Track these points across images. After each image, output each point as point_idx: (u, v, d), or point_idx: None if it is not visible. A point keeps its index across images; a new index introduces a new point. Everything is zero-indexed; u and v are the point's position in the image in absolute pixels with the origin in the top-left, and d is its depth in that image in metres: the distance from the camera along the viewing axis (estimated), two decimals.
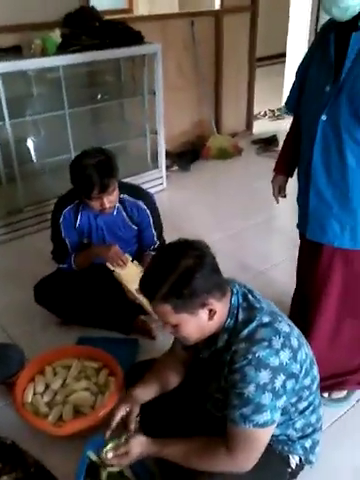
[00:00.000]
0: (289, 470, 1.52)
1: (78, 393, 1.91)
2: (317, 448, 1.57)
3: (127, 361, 2.02)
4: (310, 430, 1.52)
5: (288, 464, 1.52)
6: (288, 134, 2.05)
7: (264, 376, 1.25)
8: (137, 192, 2.36)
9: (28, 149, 3.45)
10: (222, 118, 4.76)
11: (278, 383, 1.27)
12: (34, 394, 1.93)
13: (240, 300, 1.38)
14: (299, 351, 1.35)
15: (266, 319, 1.34)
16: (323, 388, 1.97)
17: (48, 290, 2.36)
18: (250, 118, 5.05)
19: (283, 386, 1.28)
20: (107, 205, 2.15)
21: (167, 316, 1.31)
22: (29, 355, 2.08)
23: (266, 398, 1.26)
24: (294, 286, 2.23)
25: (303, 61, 1.84)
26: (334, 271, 1.86)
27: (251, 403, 1.26)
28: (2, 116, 3.00)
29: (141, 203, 2.31)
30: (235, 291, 1.40)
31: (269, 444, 1.45)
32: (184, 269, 1.25)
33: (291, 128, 2.02)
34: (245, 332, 1.32)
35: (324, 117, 1.66)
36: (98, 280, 2.36)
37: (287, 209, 3.56)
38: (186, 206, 3.73)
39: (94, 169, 2.06)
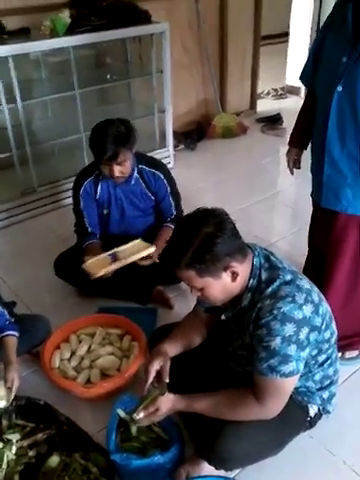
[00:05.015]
0: (308, 419, 1.63)
1: (104, 357, 2.00)
2: (334, 399, 1.67)
3: (147, 329, 2.10)
4: (328, 382, 1.62)
5: (307, 413, 1.62)
6: (302, 107, 2.08)
7: (289, 329, 1.34)
8: (154, 163, 2.45)
9: (39, 130, 3.50)
10: (227, 97, 4.79)
11: (302, 335, 1.35)
12: (61, 360, 2.02)
13: (262, 261, 1.46)
14: (320, 306, 1.44)
15: (288, 277, 1.42)
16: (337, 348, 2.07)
17: (68, 263, 2.44)
18: (254, 97, 5.08)
19: (307, 338, 1.37)
20: (116, 174, 2.24)
21: (192, 281, 1.39)
22: (52, 327, 2.15)
23: (292, 349, 1.35)
24: (302, 257, 2.31)
25: (318, 33, 1.87)
26: (348, 236, 1.93)
27: (278, 355, 1.35)
28: (14, 98, 3.05)
29: (158, 173, 2.40)
30: (257, 253, 1.47)
31: (290, 395, 1.55)
32: (205, 235, 1.32)
33: (305, 101, 2.06)
34: (269, 290, 1.40)
35: (340, 88, 1.69)
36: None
37: (292, 184, 3.66)
38: (193, 184, 3.78)
39: (109, 136, 2.15)
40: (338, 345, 2.05)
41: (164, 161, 3.89)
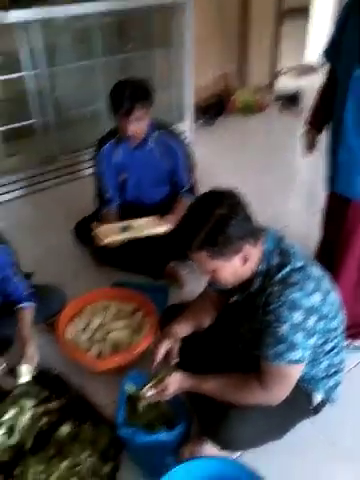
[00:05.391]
0: (312, 406, 1.65)
1: (116, 331, 2.04)
2: (339, 388, 1.68)
3: (158, 307, 2.12)
4: (333, 370, 1.63)
5: (312, 401, 1.64)
6: (322, 87, 2.02)
7: (297, 316, 1.35)
8: (172, 132, 2.47)
9: (62, 98, 3.47)
10: (247, 72, 4.71)
11: (310, 323, 1.37)
12: (75, 332, 2.06)
13: (274, 246, 1.45)
14: (329, 295, 1.45)
15: (299, 264, 1.41)
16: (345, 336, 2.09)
17: (87, 227, 2.46)
18: (274, 74, 4.99)
19: (315, 326, 1.39)
20: (132, 131, 2.27)
21: (204, 263, 1.38)
22: (68, 298, 2.18)
23: (299, 337, 1.36)
24: (316, 241, 2.29)
25: (341, 11, 1.80)
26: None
27: (285, 341, 1.36)
28: (36, 65, 3.02)
29: (175, 141, 2.42)
30: (268, 237, 1.46)
31: (296, 382, 1.59)
32: (219, 217, 1.31)
33: (326, 80, 1.99)
34: (279, 276, 1.40)
35: (359, 72, 1.65)
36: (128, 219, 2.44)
37: (309, 166, 3.62)
38: (210, 159, 3.75)
39: (128, 91, 2.21)
40: (346, 334, 2.08)
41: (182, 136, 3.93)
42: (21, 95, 3.15)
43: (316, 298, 1.38)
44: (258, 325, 1.47)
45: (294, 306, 1.35)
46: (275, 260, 1.43)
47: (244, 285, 1.49)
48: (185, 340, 1.72)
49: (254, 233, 1.40)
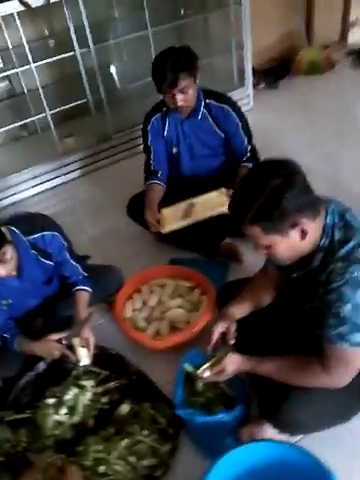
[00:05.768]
0: None
1: (173, 310, 2.02)
2: None
3: (217, 282, 2.06)
4: None
5: None
6: None
7: None
8: (223, 98, 2.35)
9: (113, 75, 3.44)
10: (314, 28, 4.36)
11: None
12: (133, 310, 2.06)
13: (336, 219, 1.33)
14: None
15: None
16: None
17: (140, 204, 2.42)
18: (345, 26, 4.57)
19: None
20: (179, 102, 2.17)
21: (257, 238, 1.30)
22: (126, 276, 2.19)
23: None
24: None
25: None
26: None
27: (348, 322, 1.25)
28: (86, 42, 2.98)
29: (228, 107, 2.30)
30: (330, 210, 1.34)
31: None
32: (272, 190, 1.21)
33: None
34: (342, 252, 1.28)
35: None
36: (188, 193, 2.36)
37: None
38: (275, 126, 3.56)
39: (169, 63, 2.10)
40: None
41: (243, 102, 3.76)
42: (73, 75, 3.13)
43: None
44: (319, 304, 1.36)
45: (358, 285, 1.23)
46: (338, 235, 1.31)
47: (304, 261, 1.39)
48: (244, 319, 1.65)
49: (313, 205, 1.29)
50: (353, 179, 2.90)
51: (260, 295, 1.67)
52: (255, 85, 3.94)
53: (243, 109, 3.70)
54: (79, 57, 3.00)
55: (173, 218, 2.22)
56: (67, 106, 3.20)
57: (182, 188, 2.43)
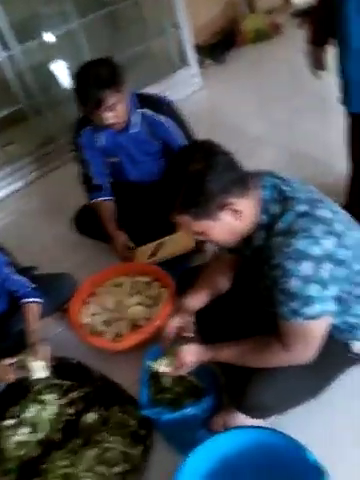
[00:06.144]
0: (352, 355, 1.47)
1: (133, 308, 1.94)
2: None
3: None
4: None
5: (350, 350, 1.46)
6: None
7: (306, 268, 1.15)
8: (158, 104, 2.15)
9: (47, 75, 3.30)
10: None
11: (324, 272, 1.17)
12: (91, 315, 1.98)
13: (272, 193, 1.26)
14: (345, 236, 1.23)
15: (303, 208, 1.21)
16: None
17: (87, 218, 2.33)
18: None
19: (331, 274, 1.18)
20: (109, 121, 2.01)
21: (190, 226, 1.24)
22: (82, 282, 2.10)
23: (313, 289, 1.17)
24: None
25: None
26: None
27: (298, 296, 1.18)
28: (7, 45, 2.86)
29: (163, 117, 2.12)
30: (265, 184, 1.27)
31: (328, 334, 1.40)
32: (193, 175, 1.16)
33: None
34: (281, 225, 1.21)
35: None
36: (134, 198, 2.29)
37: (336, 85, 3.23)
38: (227, 100, 3.49)
39: (91, 81, 1.91)
40: None
41: (190, 81, 3.67)
42: (1, 81, 3.00)
43: (328, 243, 1.17)
44: (268, 282, 1.29)
45: (301, 256, 1.16)
46: (275, 209, 1.24)
47: (248, 240, 1.32)
48: (206, 307, 1.60)
49: (242, 182, 1.22)
50: (305, 143, 2.84)
51: (216, 281, 1.61)
52: (202, 62, 3.83)
53: (191, 90, 3.68)
54: (3, 62, 2.88)
55: (142, 256, 2.16)
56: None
57: (129, 193, 2.31)
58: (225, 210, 1.20)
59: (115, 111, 1.99)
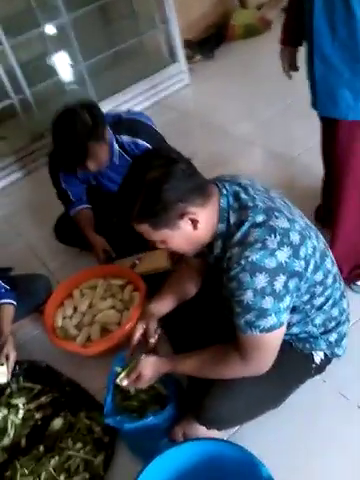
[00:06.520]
0: (314, 366, 1.47)
1: (104, 312, 1.93)
2: (344, 340, 1.50)
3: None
4: (333, 324, 1.44)
5: (312, 360, 1.46)
6: None
7: (260, 280, 1.15)
8: (134, 128, 2.08)
9: (36, 70, 3.27)
10: None
11: (278, 285, 1.16)
12: (64, 318, 1.98)
13: (231, 201, 1.25)
14: (302, 246, 1.21)
15: (260, 218, 1.20)
16: (357, 276, 1.85)
17: (66, 227, 2.32)
18: None
19: (285, 287, 1.18)
20: (93, 169, 1.99)
21: (149, 235, 1.24)
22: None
23: (267, 302, 1.17)
24: None
25: None
26: (355, 148, 1.64)
27: (253, 309, 1.18)
28: None
29: (139, 140, 2.06)
30: (225, 192, 1.25)
31: (289, 343, 1.42)
32: (150, 184, 1.14)
33: None
34: (238, 235, 1.20)
35: None
36: (108, 209, 2.23)
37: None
38: (213, 98, 3.45)
39: (70, 134, 1.84)
40: (358, 273, 1.84)
41: (178, 78, 3.64)
42: None
43: (282, 255, 1.16)
44: (227, 292, 1.28)
45: (255, 269, 1.15)
46: (233, 218, 1.23)
47: (210, 248, 1.31)
48: (173, 312, 1.58)
49: (200, 192, 1.21)
50: (289, 142, 2.81)
51: (183, 286, 1.59)
52: (190, 57, 3.80)
53: (178, 85, 3.64)
54: None
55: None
56: None
57: (107, 204, 2.22)
58: (184, 219, 1.19)
59: (99, 158, 1.97)
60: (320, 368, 1.49)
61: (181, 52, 3.57)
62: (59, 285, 2.08)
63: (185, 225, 1.20)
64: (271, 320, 1.19)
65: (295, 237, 1.20)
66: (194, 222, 1.20)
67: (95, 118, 1.89)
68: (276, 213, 1.22)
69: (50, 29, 3.13)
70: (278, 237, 1.17)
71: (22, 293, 1.89)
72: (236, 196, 1.25)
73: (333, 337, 1.45)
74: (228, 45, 4.08)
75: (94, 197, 2.31)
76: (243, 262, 1.16)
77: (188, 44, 3.88)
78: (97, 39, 3.46)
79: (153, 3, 3.36)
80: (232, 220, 1.23)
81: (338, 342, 1.47)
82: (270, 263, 1.15)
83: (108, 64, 3.50)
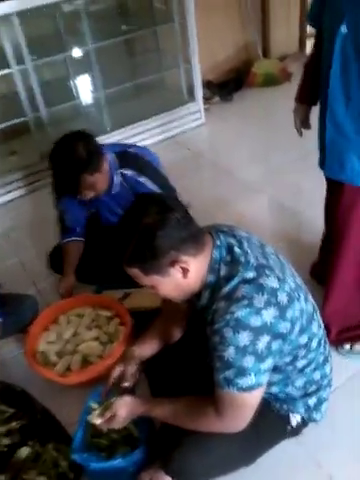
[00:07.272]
0: (289, 428, 1.45)
1: (87, 343, 1.92)
2: (324, 405, 1.47)
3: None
4: (314, 388, 1.42)
5: (288, 422, 1.44)
6: (310, 55, 1.79)
7: (243, 338, 1.14)
8: (138, 164, 2.10)
9: (54, 91, 3.34)
10: (270, 39, 4.33)
11: (261, 345, 1.15)
12: (47, 342, 1.96)
13: (223, 254, 1.25)
14: (289, 308, 1.21)
15: (250, 275, 1.19)
16: (344, 339, 1.83)
17: (59, 258, 2.31)
18: (303, 37, 4.54)
19: (268, 347, 1.16)
20: (89, 197, 2.03)
21: (139, 278, 1.24)
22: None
23: (248, 361, 1.15)
24: None
25: None
26: (356, 213, 1.65)
27: (233, 366, 1.16)
28: (22, 60, 2.92)
29: (143, 178, 2.07)
30: (218, 243, 1.26)
31: (267, 402, 1.39)
32: (144, 229, 1.15)
33: (314, 47, 1.75)
34: (226, 289, 1.19)
35: (344, 29, 1.39)
36: (105, 241, 2.20)
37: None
38: (226, 140, 3.51)
39: (67, 166, 1.89)
40: (346, 336, 1.83)
41: (194, 117, 3.70)
42: (11, 92, 3.07)
43: (268, 315, 1.15)
44: (210, 345, 1.26)
45: (239, 326, 1.14)
46: (224, 271, 1.22)
47: (198, 296, 1.30)
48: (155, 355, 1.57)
49: (193, 240, 1.21)
50: (295, 194, 2.84)
51: (168, 330, 1.58)
52: (209, 99, 3.88)
53: (195, 124, 3.70)
54: (16, 75, 2.93)
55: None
56: (6, 124, 3.12)
57: (104, 234, 2.25)
58: (175, 267, 1.19)
59: (95, 187, 2.00)
60: (296, 431, 1.47)
61: (200, 92, 3.64)
62: (47, 308, 2.06)
63: (175, 273, 1.20)
64: (250, 380, 1.17)
65: (283, 298, 1.20)
66: (185, 270, 1.20)
67: (90, 150, 1.92)
68: (267, 271, 1.21)
69: (75, 53, 3.21)
70: (266, 296, 1.16)
71: (9, 312, 1.88)
72: (230, 249, 1.25)
73: (312, 401, 1.43)
74: (247, 91, 4.17)
75: (93, 228, 2.32)
76: (228, 317, 1.15)
77: (209, 85, 3.97)
78: (120, 69, 3.53)
79: (178, 42, 3.45)
80: (222, 273, 1.22)
81: (317, 406, 1.45)
82: (255, 322, 1.14)
83: (127, 95, 3.57)
